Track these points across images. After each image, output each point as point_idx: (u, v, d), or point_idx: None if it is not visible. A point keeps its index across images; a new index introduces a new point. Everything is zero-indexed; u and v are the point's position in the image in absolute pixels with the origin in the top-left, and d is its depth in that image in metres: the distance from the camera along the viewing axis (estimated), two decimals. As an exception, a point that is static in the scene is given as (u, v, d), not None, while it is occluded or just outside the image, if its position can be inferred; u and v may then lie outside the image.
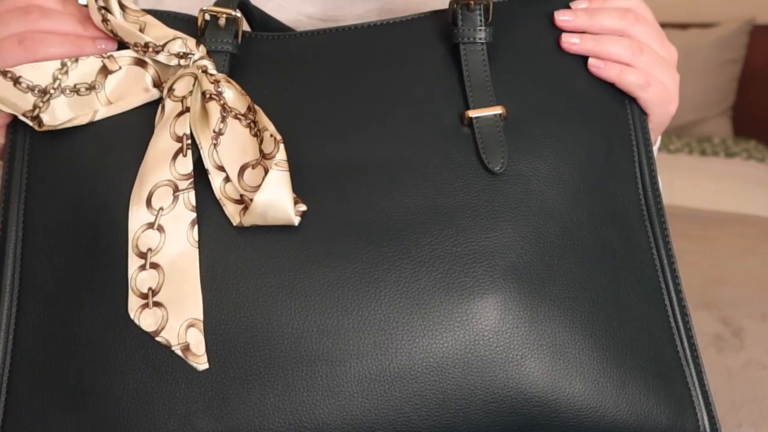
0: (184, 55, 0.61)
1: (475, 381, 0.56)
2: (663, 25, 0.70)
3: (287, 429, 0.55)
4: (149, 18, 0.63)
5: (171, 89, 0.60)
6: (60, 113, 0.61)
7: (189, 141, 0.59)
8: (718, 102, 2.86)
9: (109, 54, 0.62)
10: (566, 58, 0.65)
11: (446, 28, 0.65)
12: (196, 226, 0.58)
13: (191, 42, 0.62)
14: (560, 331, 0.58)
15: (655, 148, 0.72)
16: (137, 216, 0.58)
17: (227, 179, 0.58)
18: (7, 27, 0.61)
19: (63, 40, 0.61)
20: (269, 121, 0.58)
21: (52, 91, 0.61)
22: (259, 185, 0.56)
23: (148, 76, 0.62)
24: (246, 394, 0.55)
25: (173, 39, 0.61)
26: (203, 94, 0.60)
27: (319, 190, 0.59)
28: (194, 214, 0.58)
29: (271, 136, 0.57)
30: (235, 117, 0.60)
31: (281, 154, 0.57)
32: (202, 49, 0.62)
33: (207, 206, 0.58)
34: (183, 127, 0.59)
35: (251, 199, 0.56)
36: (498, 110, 0.62)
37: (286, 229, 0.57)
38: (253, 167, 0.58)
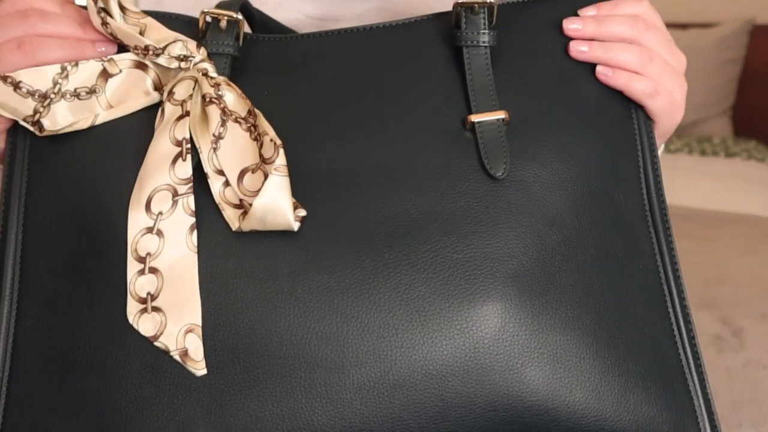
0: (184, 58, 0.61)
1: (475, 389, 0.56)
2: (663, 25, 0.70)
3: None
4: (150, 20, 0.62)
5: (171, 92, 0.60)
6: (61, 118, 0.60)
7: (188, 145, 0.58)
8: (718, 102, 2.86)
9: (109, 57, 0.62)
10: (572, 64, 0.65)
11: (449, 30, 0.64)
12: (195, 231, 0.57)
13: (192, 44, 0.62)
14: (561, 339, 0.58)
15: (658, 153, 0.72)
16: (136, 220, 0.57)
17: (227, 184, 0.58)
18: (6, 31, 0.61)
19: (62, 44, 0.61)
20: (269, 125, 0.58)
21: (52, 95, 0.60)
22: (259, 190, 0.56)
23: (148, 79, 0.62)
24: (244, 401, 0.55)
25: (174, 41, 0.61)
26: (203, 97, 0.60)
27: (319, 195, 0.59)
28: (193, 219, 0.57)
29: (271, 140, 0.57)
30: (235, 121, 0.59)
31: (281, 159, 0.56)
32: (203, 51, 0.62)
33: (206, 211, 0.58)
34: (183, 131, 0.58)
35: (250, 204, 0.56)
36: (501, 115, 0.61)
37: (286, 234, 0.57)
38: (253, 172, 0.58)
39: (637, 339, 0.60)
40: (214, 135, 0.59)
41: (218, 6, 0.64)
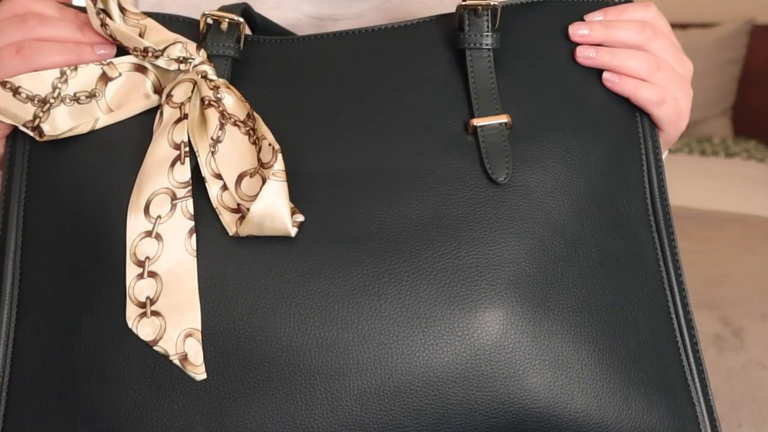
0: (183, 60, 0.61)
1: (476, 396, 0.56)
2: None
3: None
4: (149, 21, 0.62)
5: (169, 95, 0.59)
6: (61, 122, 0.60)
7: (187, 148, 0.58)
8: (718, 102, 2.86)
9: (108, 61, 0.61)
10: (577, 68, 0.64)
11: (452, 33, 0.64)
12: (194, 235, 0.57)
13: (191, 46, 0.61)
14: (563, 346, 0.57)
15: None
16: (135, 224, 0.57)
17: (224, 188, 0.58)
18: (5, 36, 0.60)
19: (61, 48, 0.60)
20: (268, 129, 0.58)
21: (52, 100, 0.60)
22: (257, 195, 0.55)
23: (148, 81, 0.61)
24: (244, 407, 0.55)
25: (173, 43, 0.61)
26: (202, 100, 0.59)
27: (318, 199, 0.58)
28: (192, 223, 0.57)
29: (270, 145, 0.57)
30: (234, 124, 0.59)
31: (279, 164, 0.56)
32: (203, 53, 0.61)
33: (205, 215, 0.58)
34: (181, 134, 0.58)
35: (248, 209, 0.56)
36: (503, 119, 0.61)
37: (286, 239, 0.57)
38: (251, 176, 0.57)
39: (639, 345, 0.60)
40: (212, 138, 0.58)
41: (220, 8, 0.63)
